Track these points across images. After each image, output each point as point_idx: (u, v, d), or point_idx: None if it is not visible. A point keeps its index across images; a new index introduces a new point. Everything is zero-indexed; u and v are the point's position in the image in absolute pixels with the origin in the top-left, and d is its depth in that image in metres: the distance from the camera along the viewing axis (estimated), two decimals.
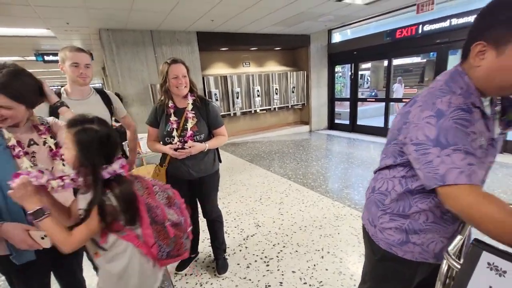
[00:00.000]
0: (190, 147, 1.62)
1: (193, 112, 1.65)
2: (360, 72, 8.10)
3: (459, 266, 0.63)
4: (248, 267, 2.09)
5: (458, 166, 0.67)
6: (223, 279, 1.98)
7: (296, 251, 2.24)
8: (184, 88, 1.64)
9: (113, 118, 1.84)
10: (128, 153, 2.08)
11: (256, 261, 2.15)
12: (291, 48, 7.55)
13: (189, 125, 1.63)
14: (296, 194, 3.37)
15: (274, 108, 7.36)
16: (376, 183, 1.00)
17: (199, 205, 1.98)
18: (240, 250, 2.30)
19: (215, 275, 2.02)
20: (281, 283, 1.90)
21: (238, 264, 2.13)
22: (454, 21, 4.63)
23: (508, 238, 0.61)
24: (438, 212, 0.86)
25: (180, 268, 2.07)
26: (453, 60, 5.04)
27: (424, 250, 0.90)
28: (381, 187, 0.97)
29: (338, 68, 8.80)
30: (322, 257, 2.14)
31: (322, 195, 3.28)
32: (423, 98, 0.80)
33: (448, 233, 0.89)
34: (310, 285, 1.85)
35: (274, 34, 6.59)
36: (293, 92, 7.43)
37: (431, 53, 5.12)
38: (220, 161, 1.93)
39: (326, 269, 2.00)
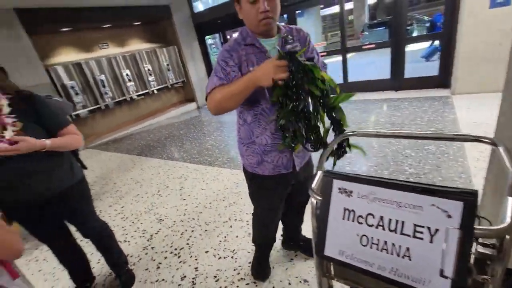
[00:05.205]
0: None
1: (13, 116, 1.19)
2: None
3: (320, 198, 0.68)
4: (158, 267, 1.91)
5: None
6: None
7: (206, 230, 2.19)
8: None
9: None
10: None
11: (166, 257, 1.99)
12: (152, 21, 6.82)
13: (8, 134, 1.15)
14: (195, 174, 3.25)
15: (153, 91, 6.71)
16: (236, 132, 1.32)
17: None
18: (146, 253, 2.07)
19: None
20: (196, 268, 1.83)
21: (146, 269, 1.91)
22: None
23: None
24: (270, 134, 1.16)
25: None
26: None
27: (275, 165, 1.22)
28: (237, 130, 1.31)
29: (210, 40, 8.65)
30: (231, 226, 2.17)
31: (220, 167, 3.30)
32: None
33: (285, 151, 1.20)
34: (224, 258, 1.86)
35: (127, 7, 5.74)
36: (169, 70, 6.89)
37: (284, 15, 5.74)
38: (85, 167, 1.56)
39: (237, 236, 2.05)
